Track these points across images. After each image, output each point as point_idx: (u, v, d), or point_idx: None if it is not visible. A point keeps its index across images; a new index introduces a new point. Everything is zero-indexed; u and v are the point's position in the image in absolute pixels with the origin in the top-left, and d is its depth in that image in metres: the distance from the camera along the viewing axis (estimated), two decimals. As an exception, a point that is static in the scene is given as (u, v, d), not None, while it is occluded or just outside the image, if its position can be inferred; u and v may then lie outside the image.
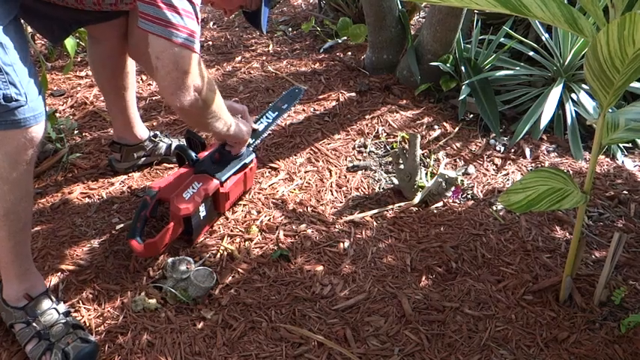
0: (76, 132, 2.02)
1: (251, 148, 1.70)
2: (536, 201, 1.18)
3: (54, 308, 1.27)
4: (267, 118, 1.86)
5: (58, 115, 2.07)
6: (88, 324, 1.33)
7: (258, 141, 1.79)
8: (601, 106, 1.13)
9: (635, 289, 1.46)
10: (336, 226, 1.64)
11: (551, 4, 0.98)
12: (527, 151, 2.00)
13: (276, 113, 1.89)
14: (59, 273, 1.46)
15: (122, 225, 1.61)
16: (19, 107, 1.09)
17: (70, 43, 1.89)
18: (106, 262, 1.49)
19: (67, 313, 1.29)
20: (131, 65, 1.69)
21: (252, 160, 1.67)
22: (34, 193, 1.72)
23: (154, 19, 1.15)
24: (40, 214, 1.65)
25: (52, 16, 1.41)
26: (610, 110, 1.15)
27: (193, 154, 1.59)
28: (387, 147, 2.01)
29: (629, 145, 2.06)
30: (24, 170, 1.14)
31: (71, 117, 2.12)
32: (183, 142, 1.76)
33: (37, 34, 2.33)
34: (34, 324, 1.24)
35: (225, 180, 1.57)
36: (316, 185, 1.81)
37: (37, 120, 1.12)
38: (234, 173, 1.61)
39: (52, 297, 1.30)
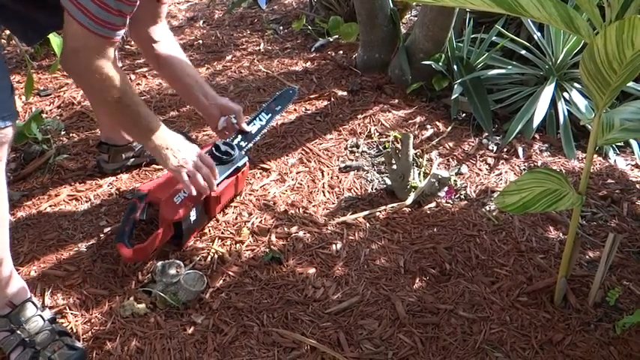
0: (62, 133, 1.98)
1: (243, 152, 1.66)
2: (531, 202, 1.17)
3: (39, 315, 1.24)
4: (260, 120, 1.81)
5: (44, 115, 2.02)
6: (75, 330, 1.30)
7: (251, 144, 1.74)
8: (597, 106, 1.12)
9: (629, 289, 1.45)
10: (329, 228, 1.62)
11: (547, 4, 0.96)
12: (520, 151, 1.99)
13: (270, 115, 1.84)
14: (45, 278, 1.42)
15: (110, 228, 1.58)
16: None
17: (56, 41, 1.85)
18: (93, 267, 1.46)
19: (52, 320, 1.26)
20: None
21: (244, 164, 1.64)
22: (20, 196, 1.68)
23: (74, 2, 1.17)
24: (26, 218, 1.61)
25: (28, 19, 1.36)
26: (604, 110, 1.14)
27: None
28: (380, 147, 1.99)
29: (621, 144, 2.06)
30: None
31: (58, 117, 2.08)
32: None
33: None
34: (18, 332, 1.20)
35: (218, 184, 1.54)
36: (308, 186, 1.78)
37: (5, 122, 1.09)
38: (227, 177, 1.58)
39: (37, 303, 1.26)
